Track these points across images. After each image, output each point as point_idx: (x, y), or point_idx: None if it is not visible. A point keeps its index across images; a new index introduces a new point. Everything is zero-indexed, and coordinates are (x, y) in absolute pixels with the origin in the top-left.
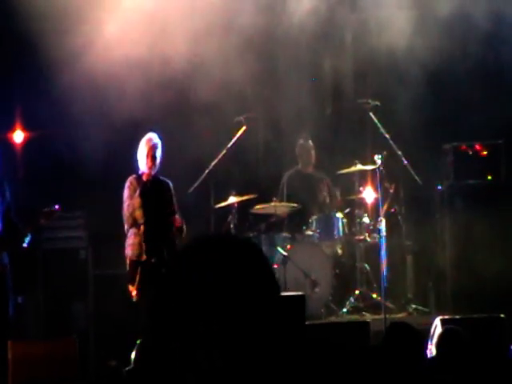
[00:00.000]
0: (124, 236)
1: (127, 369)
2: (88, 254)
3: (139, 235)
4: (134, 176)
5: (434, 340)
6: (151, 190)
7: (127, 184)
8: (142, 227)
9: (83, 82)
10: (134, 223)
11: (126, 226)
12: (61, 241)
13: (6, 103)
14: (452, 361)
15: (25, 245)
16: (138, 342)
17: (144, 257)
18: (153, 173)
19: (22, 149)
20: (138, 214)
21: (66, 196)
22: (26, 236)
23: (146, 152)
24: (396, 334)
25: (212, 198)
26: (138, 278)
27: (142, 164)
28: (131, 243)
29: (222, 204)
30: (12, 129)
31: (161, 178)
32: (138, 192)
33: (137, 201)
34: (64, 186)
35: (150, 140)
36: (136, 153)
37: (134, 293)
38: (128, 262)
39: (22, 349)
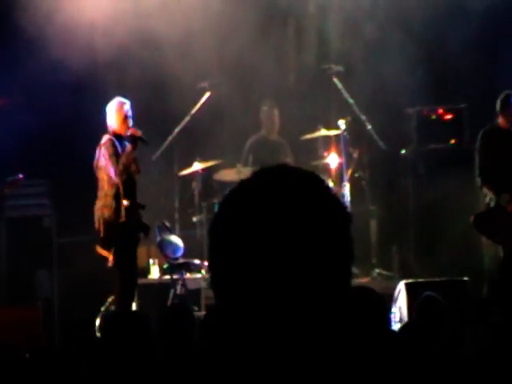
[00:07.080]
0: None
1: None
2: (52, 222)
3: (118, 196)
4: (109, 137)
5: (401, 304)
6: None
7: (108, 143)
8: (121, 187)
9: (48, 48)
10: (126, 178)
11: (105, 185)
12: (24, 208)
13: None
14: (433, 328)
15: None
16: (102, 309)
17: (122, 219)
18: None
19: None
20: (134, 167)
21: (29, 163)
22: None
23: (123, 115)
24: (358, 298)
25: (176, 165)
26: (114, 242)
27: (118, 126)
28: (108, 204)
29: (187, 171)
30: None
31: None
32: (130, 147)
33: (131, 155)
34: (27, 154)
35: (124, 103)
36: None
37: (110, 258)
38: (103, 224)
39: None
